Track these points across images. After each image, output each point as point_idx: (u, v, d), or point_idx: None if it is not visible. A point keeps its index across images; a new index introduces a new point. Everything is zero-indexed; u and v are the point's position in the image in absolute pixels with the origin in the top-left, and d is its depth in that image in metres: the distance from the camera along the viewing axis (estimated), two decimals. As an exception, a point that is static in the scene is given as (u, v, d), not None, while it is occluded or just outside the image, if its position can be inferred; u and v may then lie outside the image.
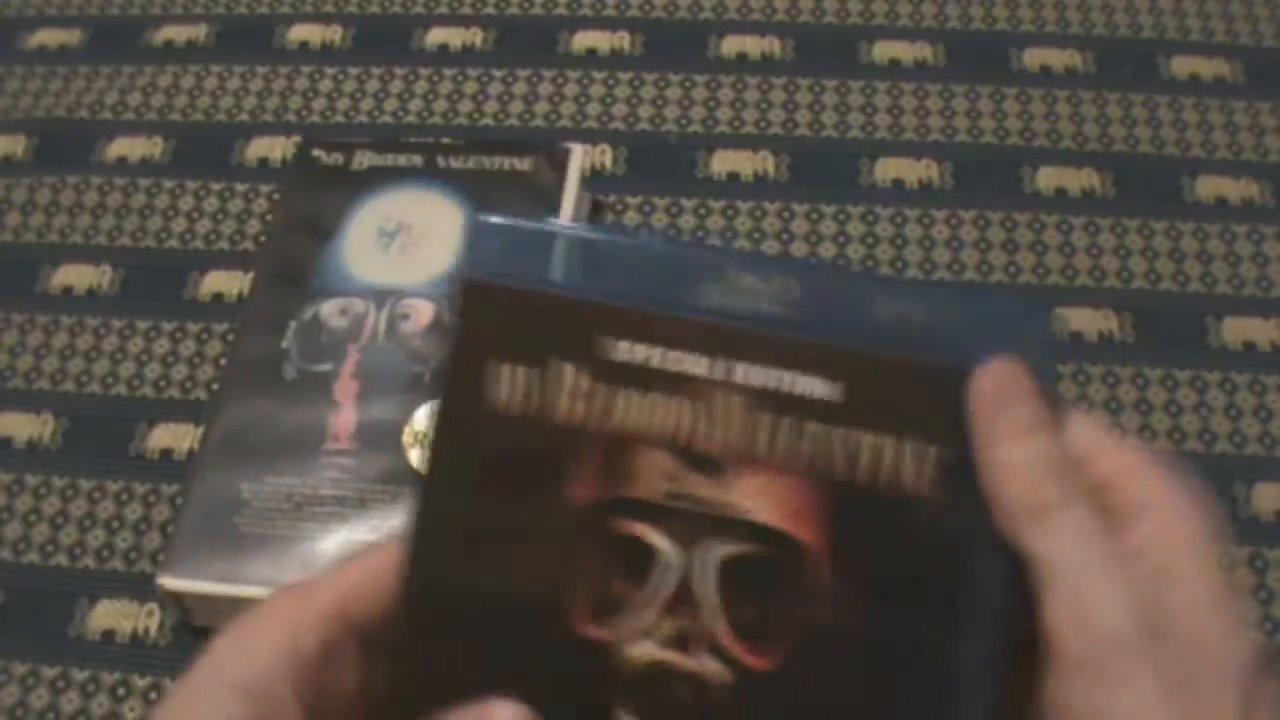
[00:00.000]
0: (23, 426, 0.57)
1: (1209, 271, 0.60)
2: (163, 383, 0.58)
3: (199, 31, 0.71)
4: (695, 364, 0.30)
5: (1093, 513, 0.28)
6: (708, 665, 0.30)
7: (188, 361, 0.58)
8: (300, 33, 0.71)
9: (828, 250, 0.61)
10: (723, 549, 0.30)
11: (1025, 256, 0.60)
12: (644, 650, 0.30)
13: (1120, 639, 0.26)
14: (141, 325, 0.60)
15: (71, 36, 0.71)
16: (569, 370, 0.30)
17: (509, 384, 0.31)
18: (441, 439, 0.31)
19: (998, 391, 0.29)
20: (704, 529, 0.30)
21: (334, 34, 0.71)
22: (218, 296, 0.60)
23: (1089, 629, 0.27)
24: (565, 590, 0.30)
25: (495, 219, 0.32)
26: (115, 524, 0.54)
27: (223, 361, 0.58)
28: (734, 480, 0.30)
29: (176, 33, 0.71)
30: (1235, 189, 0.63)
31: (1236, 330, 0.58)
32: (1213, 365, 0.57)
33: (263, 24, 0.71)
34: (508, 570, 0.30)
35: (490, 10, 0.72)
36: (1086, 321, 0.58)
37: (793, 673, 0.30)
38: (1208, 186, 0.63)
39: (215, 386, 0.57)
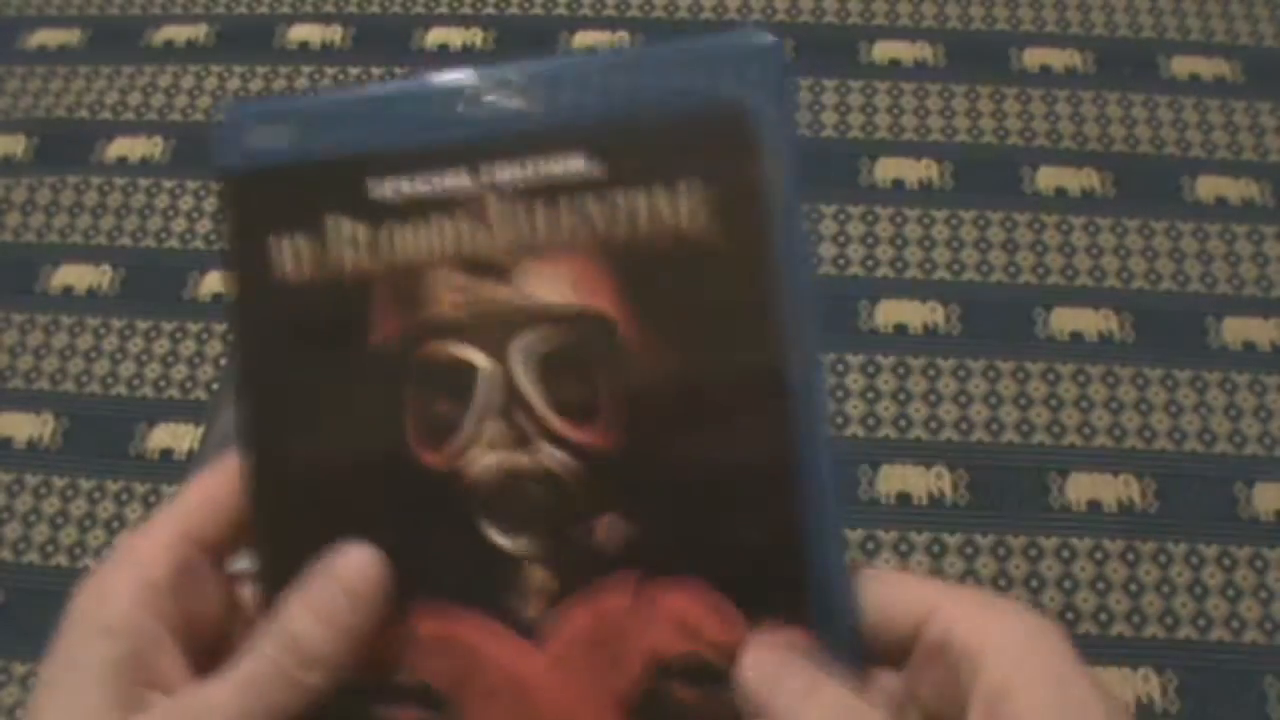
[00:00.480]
0: (23, 426, 0.57)
1: (1209, 271, 0.60)
2: (163, 383, 0.58)
3: (199, 31, 0.71)
4: (455, 180, 0.31)
5: None
6: (551, 457, 0.31)
7: (188, 361, 0.58)
8: (300, 33, 0.71)
9: (828, 250, 0.61)
10: (526, 339, 0.31)
11: (1025, 256, 0.60)
12: (482, 459, 0.31)
13: None
14: (141, 325, 0.60)
15: (71, 36, 0.71)
16: (341, 223, 0.31)
17: (291, 253, 0.31)
18: (242, 323, 0.31)
19: (762, 674, 0.30)
20: (509, 329, 0.31)
21: (334, 34, 0.71)
22: (218, 296, 0.60)
23: None
24: (398, 427, 0.31)
25: (234, 110, 0.33)
26: (115, 524, 0.54)
27: (223, 361, 0.58)
28: (523, 276, 0.31)
29: (176, 33, 0.71)
30: (1235, 189, 0.63)
31: (1236, 330, 0.58)
32: (1213, 365, 0.57)
33: (263, 24, 0.71)
34: (339, 426, 0.31)
35: (490, 10, 0.72)
36: (1086, 321, 0.58)
37: (627, 438, 0.31)
38: (1208, 186, 0.63)
39: (215, 386, 0.57)
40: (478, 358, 0.31)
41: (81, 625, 0.29)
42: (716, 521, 0.31)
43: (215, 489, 0.31)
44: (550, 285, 0.31)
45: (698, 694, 0.30)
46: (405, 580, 0.31)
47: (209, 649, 0.30)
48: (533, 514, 0.31)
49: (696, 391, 0.31)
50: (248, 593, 0.31)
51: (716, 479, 0.31)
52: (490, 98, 0.31)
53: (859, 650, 0.30)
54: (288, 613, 0.29)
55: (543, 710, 0.31)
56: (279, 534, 0.31)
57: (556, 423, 0.31)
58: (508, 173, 0.31)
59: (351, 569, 0.30)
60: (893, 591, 0.30)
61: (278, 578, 0.31)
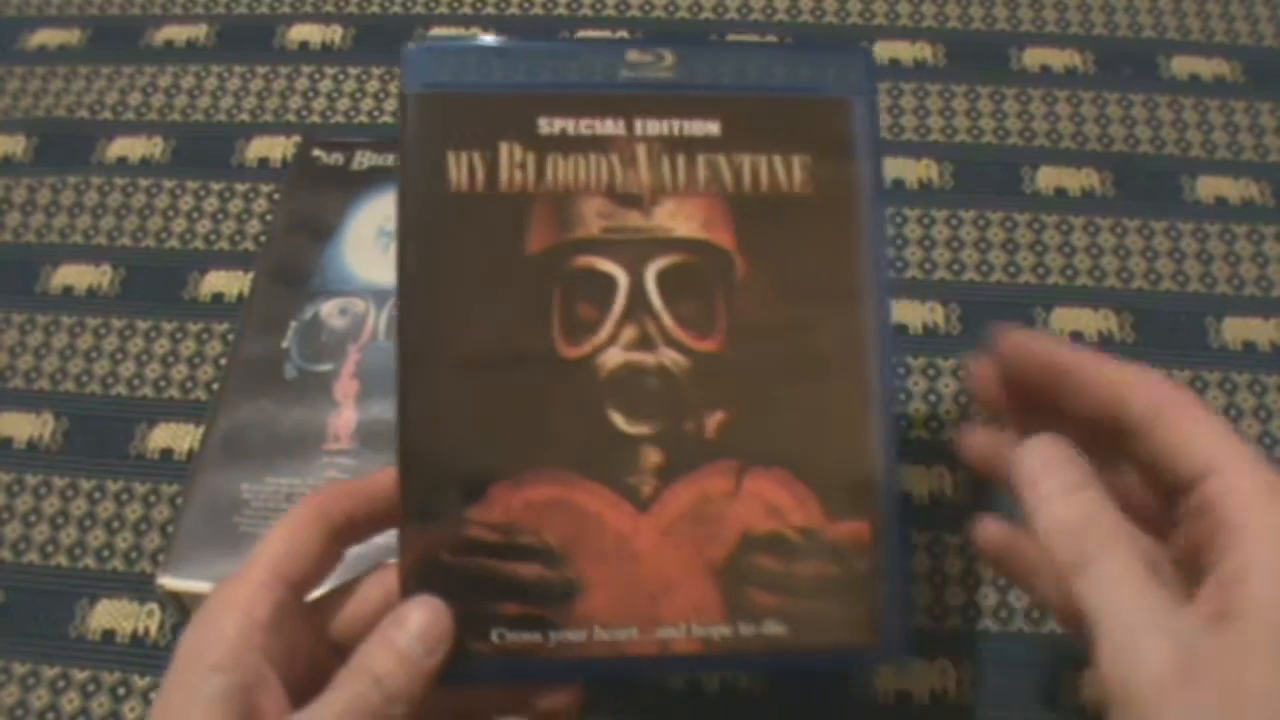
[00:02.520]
0: (23, 426, 0.57)
1: (1209, 271, 0.60)
2: (163, 383, 0.58)
3: (199, 31, 0.71)
4: (613, 126, 0.38)
5: (1130, 559, 0.30)
6: (670, 358, 0.37)
7: (188, 361, 0.58)
8: (300, 33, 0.71)
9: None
10: (659, 261, 0.37)
11: (1025, 256, 0.60)
12: (615, 356, 0.37)
13: (1154, 683, 0.28)
14: (141, 325, 0.60)
15: (71, 36, 0.71)
16: (513, 149, 0.37)
17: (466, 168, 0.37)
18: (413, 225, 0.37)
19: (1043, 459, 0.33)
20: (646, 251, 0.38)
21: (334, 34, 0.71)
22: (218, 296, 0.60)
23: (1126, 674, 0.29)
24: (542, 324, 0.37)
25: (424, 45, 0.39)
26: (115, 524, 0.54)
27: (223, 361, 0.58)
28: (655, 209, 0.38)
29: (176, 33, 0.71)
30: (1235, 189, 0.63)
31: (1236, 330, 0.58)
32: (1213, 365, 0.57)
33: (263, 24, 0.71)
34: (495, 318, 0.37)
35: (490, 10, 0.72)
36: (1086, 321, 0.58)
37: (734, 348, 0.37)
38: (1208, 186, 0.63)
39: (215, 386, 0.57)
40: (618, 272, 0.37)
41: (192, 662, 0.32)
42: (802, 423, 0.37)
43: (298, 532, 0.35)
44: (681, 220, 0.38)
45: (778, 564, 0.36)
46: (539, 451, 0.36)
47: (303, 682, 0.33)
48: (651, 404, 0.37)
49: (790, 315, 0.38)
50: (331, 626, 0.36)
51: (803, 388, 0.37)
52: (647, 65, 0.39)
53: (908, 550, 0.36)
54: (371, 656, 0.33)
55: (646, 570, 0.36)
56: (430, 411, 0.36)
57: (677, 331, 0.37)
58: (655, 126, 0.38)
59: (426, 618, 0.34)
60: (1192, 433, 0.32)
61: (426, 458, 0.36)
